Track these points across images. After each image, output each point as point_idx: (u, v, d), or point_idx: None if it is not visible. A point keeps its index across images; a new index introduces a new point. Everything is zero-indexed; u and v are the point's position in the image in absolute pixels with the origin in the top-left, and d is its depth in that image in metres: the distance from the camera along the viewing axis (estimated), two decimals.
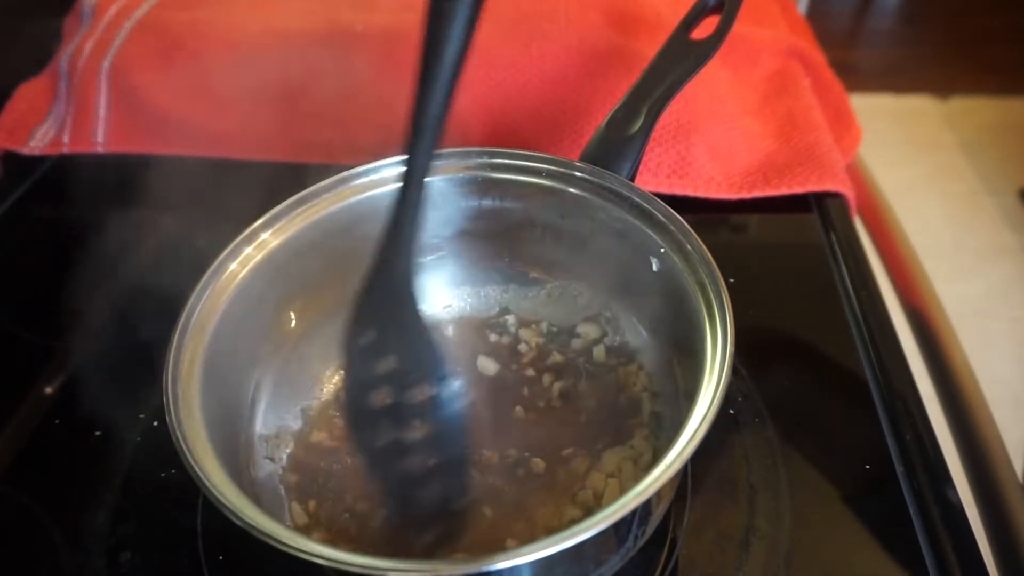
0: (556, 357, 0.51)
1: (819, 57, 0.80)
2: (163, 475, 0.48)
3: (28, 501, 0.48)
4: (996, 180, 2.00)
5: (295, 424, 0.48)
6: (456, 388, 0.49)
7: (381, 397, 0.39)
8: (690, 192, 0.67)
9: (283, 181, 0.51)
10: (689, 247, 0.42)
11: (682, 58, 0.52)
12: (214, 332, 0.41)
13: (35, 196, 0.73)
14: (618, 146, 0.49)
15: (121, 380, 0.54)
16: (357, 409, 0.39)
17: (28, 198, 0.73)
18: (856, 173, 0.75)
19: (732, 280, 0.54)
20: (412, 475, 0.39)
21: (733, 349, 0.36)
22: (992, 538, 0.48)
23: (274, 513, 0.42)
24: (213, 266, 0.43)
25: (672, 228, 0.43)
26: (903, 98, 2.28)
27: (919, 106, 2.26)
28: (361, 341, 0.39)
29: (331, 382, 0.51)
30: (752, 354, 0.53)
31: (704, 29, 0.54)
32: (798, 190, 0.66)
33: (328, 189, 0.48)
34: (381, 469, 0.40)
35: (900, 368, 0.52)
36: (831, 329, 0.56)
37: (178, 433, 0.35)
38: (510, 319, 0.54)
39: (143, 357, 0.50)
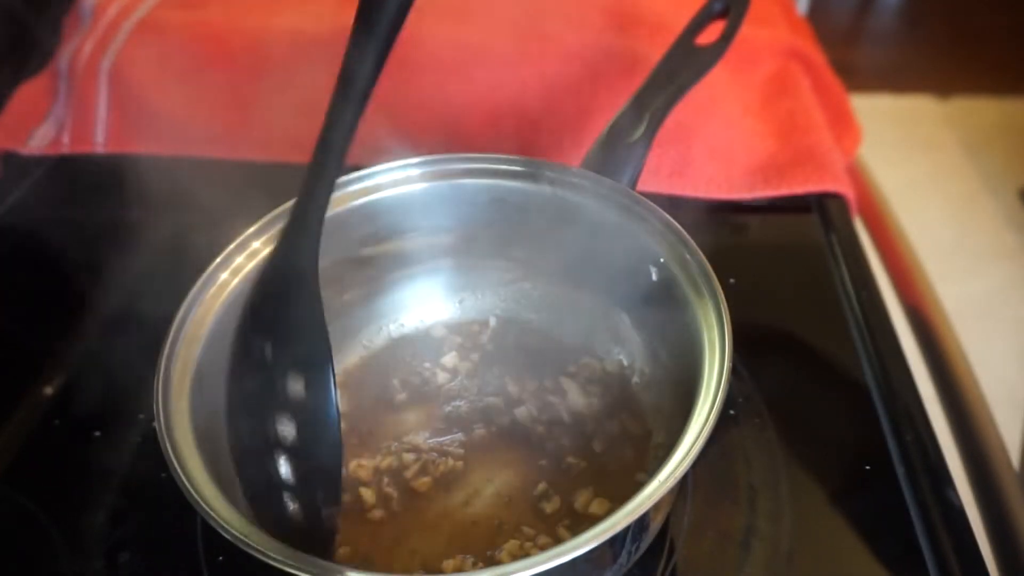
0: None
1: (819, 57, 0.80)
2: (163, 475, 0.47)
3: (27, 501, 0.47)
4: (996, 180, 2.00)
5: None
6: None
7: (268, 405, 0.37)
8: (690, 192, 0.67)
9: (283, 181, 0.51)
10: (688, 257, 0.42)
11: (686, 64, 0.52)
12: (206, 343, 0.41)
13: (35, 196, 0.73)
14: (619, 153, 0.48)
15: (121, 380, 0.54)
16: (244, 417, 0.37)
17: (28, 198, 0.73)
18: (856, 173, 0.75)
19: (732, 280, 0.54)
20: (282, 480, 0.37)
21: (730, 364, 0.36)
22: (992, 538, 0.48)
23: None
24: (203, 276, 0.43)
25: (672, 238, 0.43)
26: (903, 98, 2.28)
27: (919, 106, 2.26)
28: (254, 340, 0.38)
29: None
30: (752, 354, 0.53)
31: (708, 34, 0.54)
32: (798, 191, 0.66)
33: None
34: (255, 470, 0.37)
35: (900, 368, 0.52)
36: (831, 329, 0.56)
37: (167, 444, 0.35)
38: (508, 325, 0.54)
39: (142, 357, 0.50)
